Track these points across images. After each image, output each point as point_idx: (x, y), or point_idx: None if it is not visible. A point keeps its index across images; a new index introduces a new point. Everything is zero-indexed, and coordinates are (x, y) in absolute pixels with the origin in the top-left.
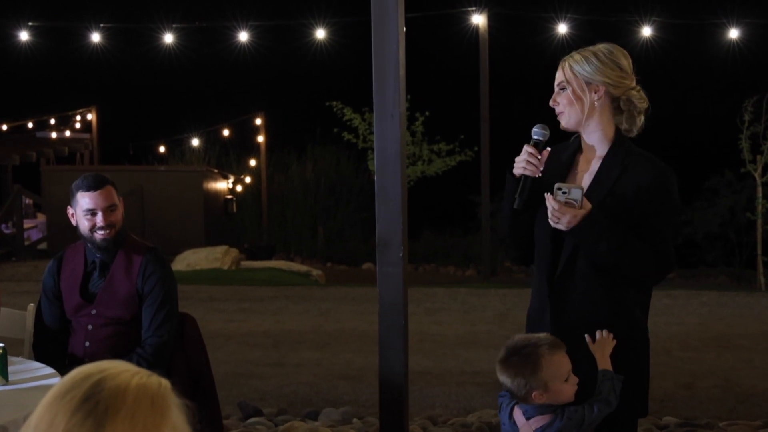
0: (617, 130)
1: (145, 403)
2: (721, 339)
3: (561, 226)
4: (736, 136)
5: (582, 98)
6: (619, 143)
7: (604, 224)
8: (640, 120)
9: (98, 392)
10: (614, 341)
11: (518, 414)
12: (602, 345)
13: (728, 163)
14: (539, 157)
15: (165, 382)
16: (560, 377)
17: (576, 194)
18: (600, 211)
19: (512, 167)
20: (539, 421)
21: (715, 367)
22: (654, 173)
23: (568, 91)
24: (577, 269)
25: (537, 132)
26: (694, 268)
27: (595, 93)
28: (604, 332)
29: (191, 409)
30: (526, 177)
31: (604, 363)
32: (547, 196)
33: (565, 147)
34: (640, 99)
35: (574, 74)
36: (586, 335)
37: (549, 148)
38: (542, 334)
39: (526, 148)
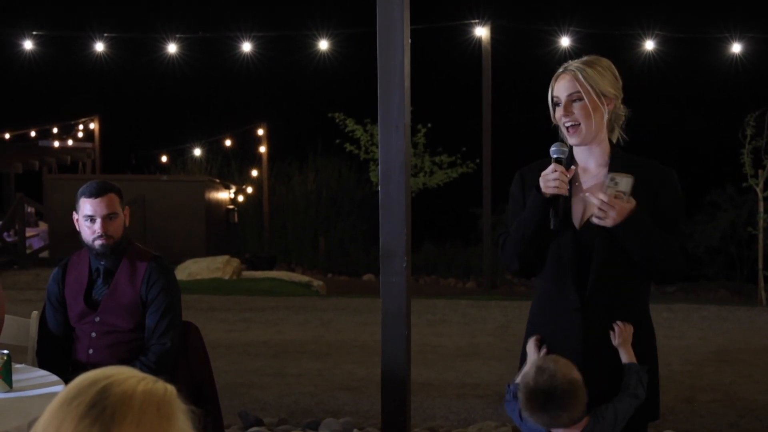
0: (610, 140)
1: (151, 409)
2: (722, 353)
3: (607, 222)
4: (738, 150)
5: (600, 110)
6: (616, 151)
7: (648, 220)
8: (618, 130)
9: (105, 398)
10: (631, 328)
11: None
12: (623, 337)
13: (730, 177)
14: (567, 175)
15: (171, 388)
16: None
17: (626, 184)
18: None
19: (538, 186)
20: (579, 426)
21: (715, 381)
22: (660, 173)
23: (585, 101)
24: (609, 280)
25: (557, 150)
26: (695, 282)
27: (608, 105)
28: (620, 324)
29: (197, 415)
30: (558, 196)
31: (628, 356)
32: (593, 193)
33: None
34: (624, 110)
35: (590, 85)
36: (609, 331)
37: (574, 167)
38: (542, 370)
39: (557, 167)
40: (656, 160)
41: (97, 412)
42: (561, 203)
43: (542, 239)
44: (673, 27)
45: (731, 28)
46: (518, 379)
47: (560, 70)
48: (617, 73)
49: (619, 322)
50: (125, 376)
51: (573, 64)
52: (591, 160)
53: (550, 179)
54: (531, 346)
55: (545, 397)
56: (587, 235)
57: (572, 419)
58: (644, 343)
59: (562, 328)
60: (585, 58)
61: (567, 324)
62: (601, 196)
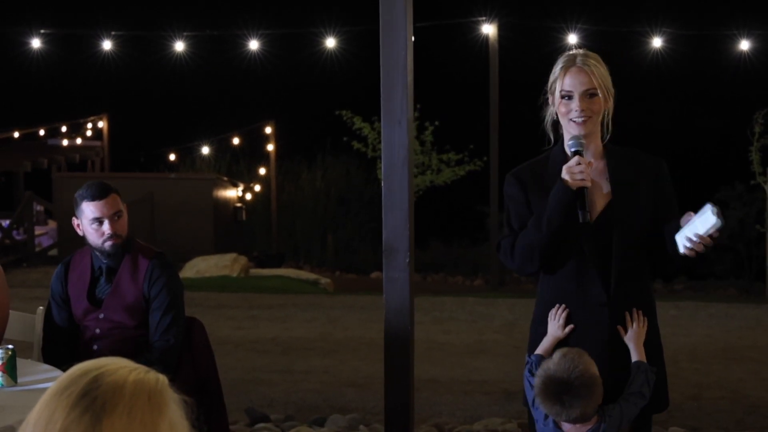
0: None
1: (142, 399)
2: (729, 350)
3: (695, 251)
4: (747, 147)
5: (608, 104)
6: (608, 145)
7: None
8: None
9: (96, 388)
10: (645, 329)
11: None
12: (636, 335)
13: (738, 175)
14: (590, 167)
15: (162, 378)
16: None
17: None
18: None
19: (562, 181)
20: (587, 425)
21: (722, 379)
22: (656, 163)
23: (599, 97)
24: (629, 273)
25: (576, 143)
26: (703, 280)
27: (610, 101)
28: (639, 317)
29: (190, 405)
30: (583, 189)
31: (639, 354)
32: (699, 236)
33: (546, 159)
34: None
35: (602, 81)
36: (618, 326)
37: (592, 160)
38: (565, 358)
39: (581, 159)
40: (641, 150)
41: (87, 402)
42: (587, 196)
43: (565, 235)
44: (681, 24)
45: (739, 25)
46: (539, 350)
47: (566, 62)
48: None
49: (637, 315)
50: (117, 366)
51: (588, 60)
52: (588, 154)
53: (576, 171)
54: (554, 317)
55: (563, 385)
56: (605, 228)
57: (583, 415)
58: (653, 335)
59: (583, 324)
60: (590, 53)
61: (590, 320)
62: (703, 234)
